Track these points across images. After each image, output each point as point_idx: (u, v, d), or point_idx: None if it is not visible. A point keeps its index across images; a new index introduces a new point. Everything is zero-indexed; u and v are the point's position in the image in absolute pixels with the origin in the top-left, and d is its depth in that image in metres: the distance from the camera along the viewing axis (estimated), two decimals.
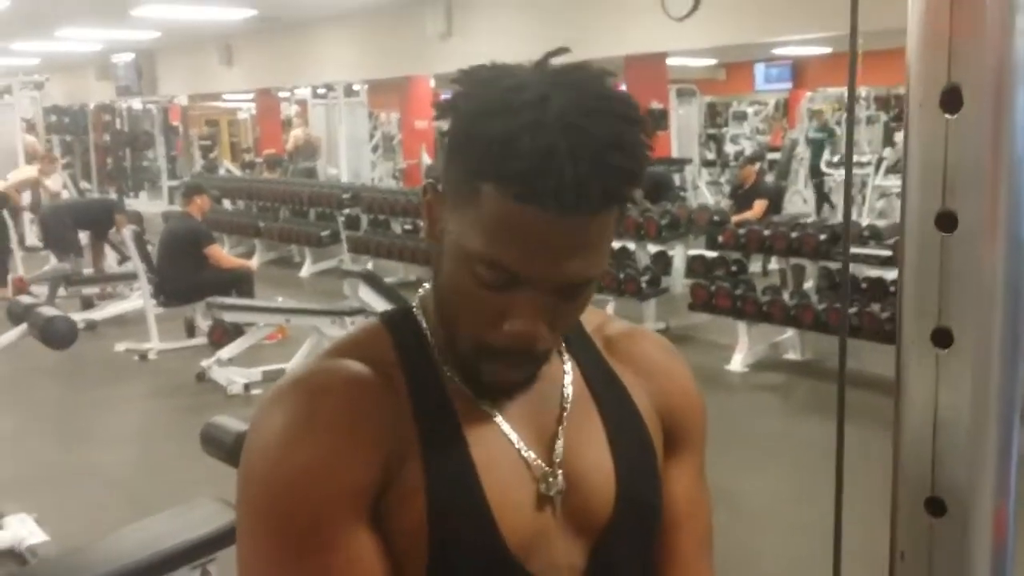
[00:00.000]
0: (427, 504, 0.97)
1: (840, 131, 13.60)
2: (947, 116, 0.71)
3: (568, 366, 1.10)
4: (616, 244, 8.82)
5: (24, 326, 5.18)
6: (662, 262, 8.95)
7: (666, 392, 1.14)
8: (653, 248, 8.88)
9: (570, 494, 1.04)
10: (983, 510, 0.73)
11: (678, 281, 8.91)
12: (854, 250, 6.75)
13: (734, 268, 8.13)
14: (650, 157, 0.94)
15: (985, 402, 0.72)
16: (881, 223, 8.24)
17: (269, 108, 18.89)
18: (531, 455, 1.03)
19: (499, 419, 1.04)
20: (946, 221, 0.72)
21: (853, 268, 7.12)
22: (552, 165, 0.86)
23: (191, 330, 8.27)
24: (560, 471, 1.04)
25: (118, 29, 14.64)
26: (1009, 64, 0.70)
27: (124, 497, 5.09)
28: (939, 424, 0.74)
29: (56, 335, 4.90)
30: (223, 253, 8.82)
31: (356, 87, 15.51)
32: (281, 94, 19.13)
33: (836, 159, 14.14)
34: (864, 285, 6.88)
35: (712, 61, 20.73)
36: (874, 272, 6.97)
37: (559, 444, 1.05)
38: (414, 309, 1.09)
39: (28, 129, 15.45)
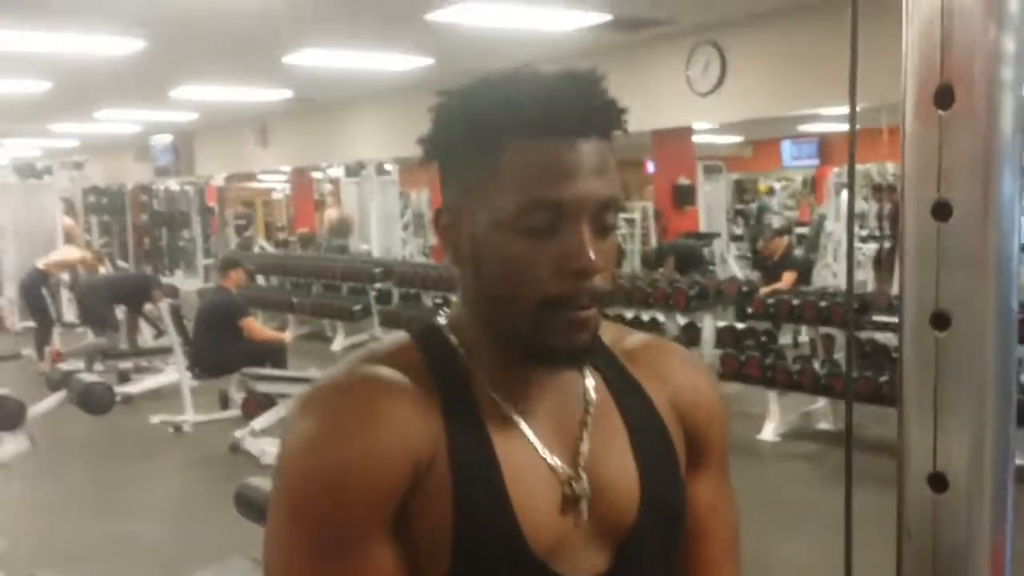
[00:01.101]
0: (453, 506, 1.00)
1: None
2: (940, 112, 0.77)
3: (589, 373, 1.14)
4: (645, 315, 8.87)
5: (63, 393, 5.26)
6: (691, 333, 8.95)
7: (688, 401, 1.17)
8: (682, 319, 8.90)
9: (595, 498, 1.07)
10: (983, 484, 0.77)
11: (707, 351, 8.90)
12: (884, 319, 6.77)
13: (764, 338, 8.12)
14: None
15: (983, 379, 0.77)
16: None
17: (303, 188, 19.19)
18: (556, 461, 1.06)
19: (524, 426, 1.07)
20: (941, 210, 0.77)
21: (884, 338, 7.12)
22: (561, 97, 0.99)
23: (225, 402, 8.34)
24: (584, 475, 1.07)
25: (157, 110, 14.98)
26: (996, 65, 0.76)
27: (159, 564, 5.11)
28: (939, 402, 0.78)
29: (94, 401, 4.97)
30: (258, 325, 8.88)
31: (388, 167, 15.73)
32: (315, 174, 19.43)
33: (865, 233, 14.12)
34: (895, 355, 6.85)
35: (739, 139, 20.89)
36: None
37: (584, 448, 1.08)
38: (440, 325, 1.12)
39: (67, 210, 15.72)
